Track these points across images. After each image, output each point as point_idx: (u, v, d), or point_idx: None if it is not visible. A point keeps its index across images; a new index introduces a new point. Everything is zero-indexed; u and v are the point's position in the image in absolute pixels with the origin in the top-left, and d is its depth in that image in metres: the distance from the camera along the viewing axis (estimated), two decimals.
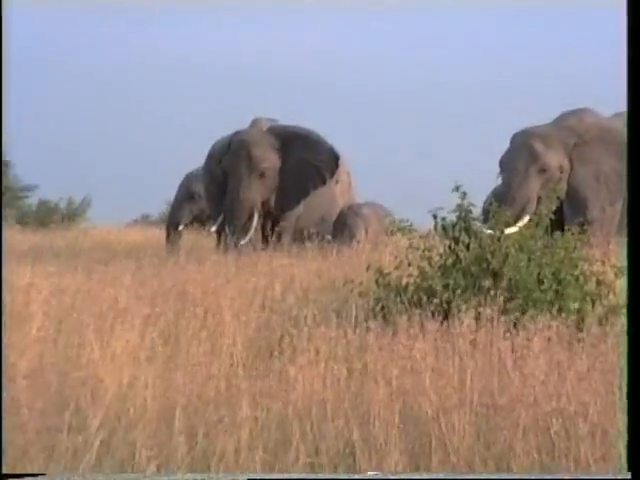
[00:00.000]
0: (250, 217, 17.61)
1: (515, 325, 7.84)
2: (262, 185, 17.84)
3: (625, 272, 9.48)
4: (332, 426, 6.19)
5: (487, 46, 59.29)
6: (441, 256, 9.81)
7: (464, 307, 8.42)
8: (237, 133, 18.26)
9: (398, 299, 9.26)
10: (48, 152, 38.40)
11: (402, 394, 6.48)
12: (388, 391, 6.49)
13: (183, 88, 56.61)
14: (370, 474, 5.39)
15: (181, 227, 20.96)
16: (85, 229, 27.60)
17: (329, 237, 17.15)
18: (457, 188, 10.01)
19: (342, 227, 18.13)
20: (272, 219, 17.98)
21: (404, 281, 9.69)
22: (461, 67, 58.95)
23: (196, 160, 21.02)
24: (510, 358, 7.06)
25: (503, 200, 12.36)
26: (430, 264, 9.74)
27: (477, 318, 7.93)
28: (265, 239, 17.29)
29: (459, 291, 9.23)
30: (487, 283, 9.27)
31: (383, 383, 6.59)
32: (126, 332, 8.01)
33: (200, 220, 21.22)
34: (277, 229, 17.75)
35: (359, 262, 11.85)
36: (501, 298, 8.67)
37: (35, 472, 5.46)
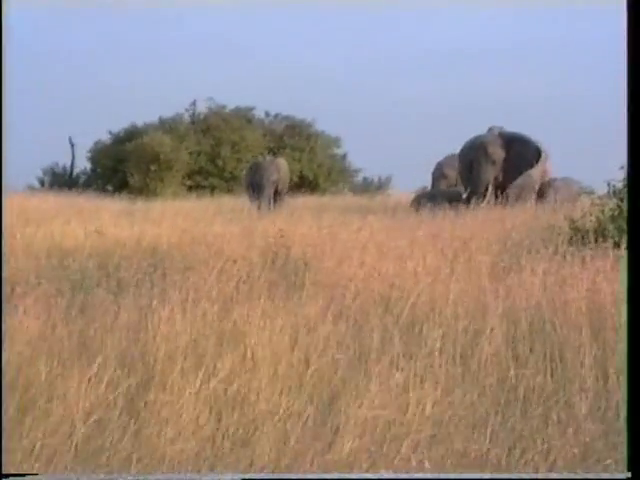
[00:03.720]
0: (486, 189, 17.84)
1: None
2: (493, 169, 18.00)
3: None
4: (541, 306, 6.07)
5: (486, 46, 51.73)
6: (611, 209, 9.68)
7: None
8: (478, 137, 18.43)
9: (584, 237, 9.16)
10: (363, 148, 38.78)
11: (590, 293, 6.30)
12: (581, 292, 6.33)
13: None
14: (371, 474, 4.06)
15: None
16: (388, 195, 28.08)
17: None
18: (622, 167, 10.02)
19: (541, 194, 18.12)
20: (500, 189, 17.91)
21: (587, 225, 9.56)
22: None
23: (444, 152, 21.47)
24: None
25: None
26: (604, 214, 9.63)
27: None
28: (496, 201, 17.26)
29: (623, 231, 9.09)
30: None
31: (577, 285, 6.45)
32: (421, 251, 8.17)
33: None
34: (505, 193, 17.77)
35: (556, 215, 11.59)
36: None
37: (35, 472, 4.08)
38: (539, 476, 4.12)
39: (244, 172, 24.54)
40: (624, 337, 4.65)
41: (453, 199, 17.59)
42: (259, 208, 18.74)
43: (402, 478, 4.06)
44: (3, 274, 5.86)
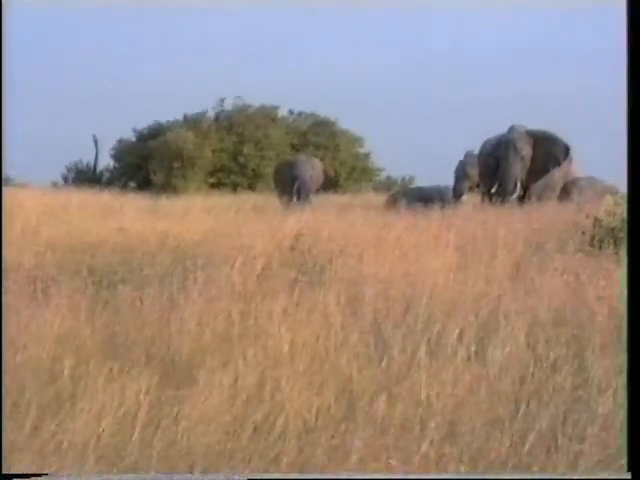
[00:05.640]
0: (515, 185, 17.78)
1: None
2: (522, 166, 17.87)
3: None
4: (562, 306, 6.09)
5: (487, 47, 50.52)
6: None
7: None
8: (504, 134, 18.27)
9: (608, 235, 9.16)
10: (388, 147, 38.63)
11: (611, 292, 6.31)
12: (603, 292, 6.32)
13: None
14: (371, 474, 4.02)
15: (464, 196, 20.90)
16: None
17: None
18: None
19: (565, 193, 17.99)
20: (523, 188, 17.84)
21: (612, 224, 9.52)
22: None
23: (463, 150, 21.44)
24: None
25: None
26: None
27: None
28: (522, 198, 17.25)
29: None
30: None
31: (596, 287, 6.45)
32: (442, 250, 8.17)
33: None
34: (528, 192, 17.73)
35: (581, 213, 11.53)
36: None
37: (35, 472, 4.04)
38: (539, 476, 4.07)
39: (274, 170, 24.70)
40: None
41: (433, 197, 17.46)
42: (282, 206, 18.84)
43: (402, 478, 4.03)
44: (3, 274, 5.88)
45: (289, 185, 21.80)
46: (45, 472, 4.07)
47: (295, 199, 20.81)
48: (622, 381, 4.86)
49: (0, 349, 4.90)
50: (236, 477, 4.02)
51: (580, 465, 4.14)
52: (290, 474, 4.09)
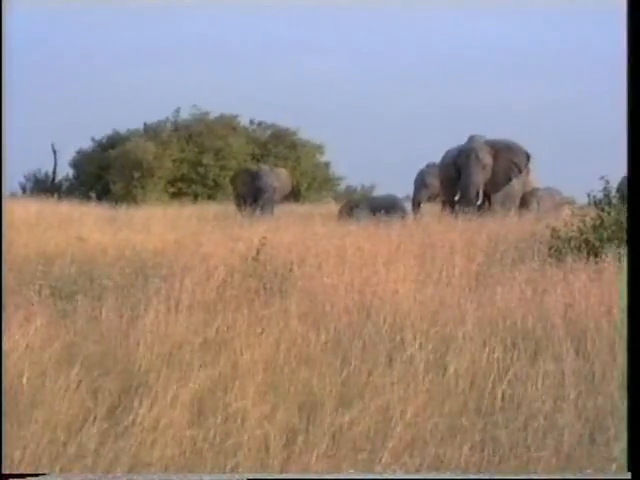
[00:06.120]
0: (477, 194, 17.93)
1: None
2: (483, 174, 18.01)
3: None
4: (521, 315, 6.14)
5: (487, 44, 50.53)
6: (592, 219, 9.84)
7: (607, 250, 8.42)
8: (465, 145, 18.37)
9: (565, 246, 9.31)
10: (347, 156, 38.70)
11: (569, 300, 6.37)
12: (561, 300, 6.40)
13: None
14: (371, 474, 4.04)
15: (422, 205, 21.05)
16: None
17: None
18: (602, 177, 10.39)
19: (524, 203, 18.13)
20: (486, 196, 18.04)
21: (569, 235, 9.68)
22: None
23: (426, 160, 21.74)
24: None
25: None
26: (585, 224, 9.77)
27: (616, 257, 7.93)
28: (482, 207, 17.40)
29: (604, 241, 9.29)
30: (621, 236, 9.28)
31: (554, 297, 6.52)
32: (403, 260, 8.20)
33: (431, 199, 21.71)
34: (489, 202, 17.92)
35: (540, 224, 11.66)
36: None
37: (35, 472, 4.04)
38: (539, 476, 4.11)
39: (233, 177, 24.38)
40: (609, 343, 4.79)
41: (388, 207, 17.45)
42: (243, 216, 18.72)
43: (401, 478, 4.06)
44: (3, 276, 5.82)
45: (251, 195, 21.60)
46: (44, 472, 4.06)
47: (258, 209, 20.61)
48: (581, 390, 4.93)
49: (0, 350, 4.91)
50: (236, 477, 4.02)
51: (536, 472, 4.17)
52: (290, 474, 4.09)
